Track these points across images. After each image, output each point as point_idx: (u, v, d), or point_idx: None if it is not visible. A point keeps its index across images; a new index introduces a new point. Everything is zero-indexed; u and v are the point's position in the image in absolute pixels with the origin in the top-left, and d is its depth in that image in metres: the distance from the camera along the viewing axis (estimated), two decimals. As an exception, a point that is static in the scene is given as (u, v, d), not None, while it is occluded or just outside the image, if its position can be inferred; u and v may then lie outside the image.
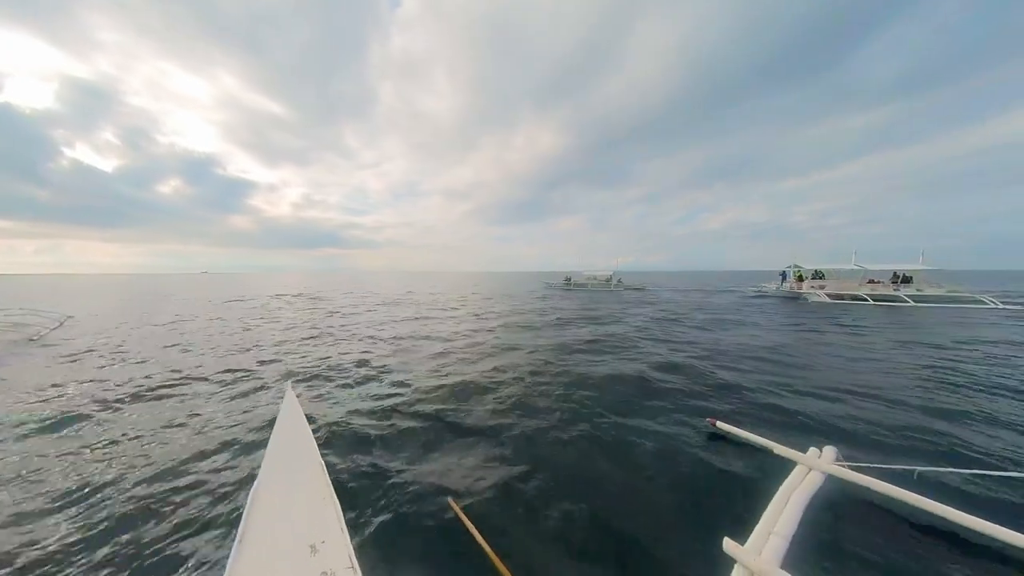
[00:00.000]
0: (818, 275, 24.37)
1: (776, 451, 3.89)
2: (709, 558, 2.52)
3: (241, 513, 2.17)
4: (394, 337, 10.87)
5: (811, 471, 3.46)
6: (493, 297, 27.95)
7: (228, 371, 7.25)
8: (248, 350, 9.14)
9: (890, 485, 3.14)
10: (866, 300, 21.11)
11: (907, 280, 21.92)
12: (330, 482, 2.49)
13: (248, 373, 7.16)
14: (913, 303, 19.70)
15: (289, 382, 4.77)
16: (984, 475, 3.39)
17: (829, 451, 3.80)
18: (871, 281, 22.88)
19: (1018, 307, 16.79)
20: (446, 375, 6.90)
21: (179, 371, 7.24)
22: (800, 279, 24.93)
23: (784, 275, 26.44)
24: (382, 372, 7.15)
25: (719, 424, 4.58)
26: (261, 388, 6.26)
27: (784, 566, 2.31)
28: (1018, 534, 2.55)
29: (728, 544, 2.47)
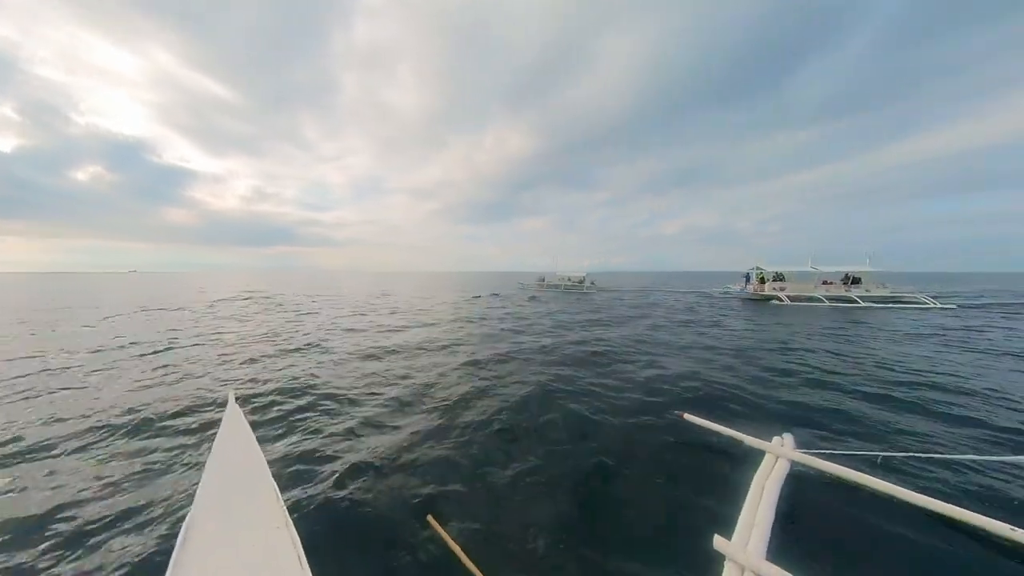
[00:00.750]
0: (779, 277, 26.12)
1: (747, 442, 4.09)
2: (699, 555, 2.60)
3: (171, 550, 1.77)
4: (393, 352, 9.34)
5: (779, 459, 3.68)
6: (480, 297, 27.17)
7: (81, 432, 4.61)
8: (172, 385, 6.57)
9: (851, 470, 3.44)
10: (822, 301, 22.89)
11: (856, 281, 24.11)
12: (285, 509, 2.13)
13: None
14: (863, 303, 21.64)
15: (231, 391, 4.16)
16: (939, 459, 3.79)
17: (788, 438, 4.07)
18: (825, 282, 24.92)
19: (952, 307, 18.98)
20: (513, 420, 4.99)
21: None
22: (762, 281, 26.58)
23: (748, 277, 28.14)
24: (394, 421, 5.04)
25: (687, 416, 4.71)
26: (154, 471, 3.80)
27: (769, 557, 2.41)
28: (968, 511, 2.88)
29: (718, 541, 2.52)
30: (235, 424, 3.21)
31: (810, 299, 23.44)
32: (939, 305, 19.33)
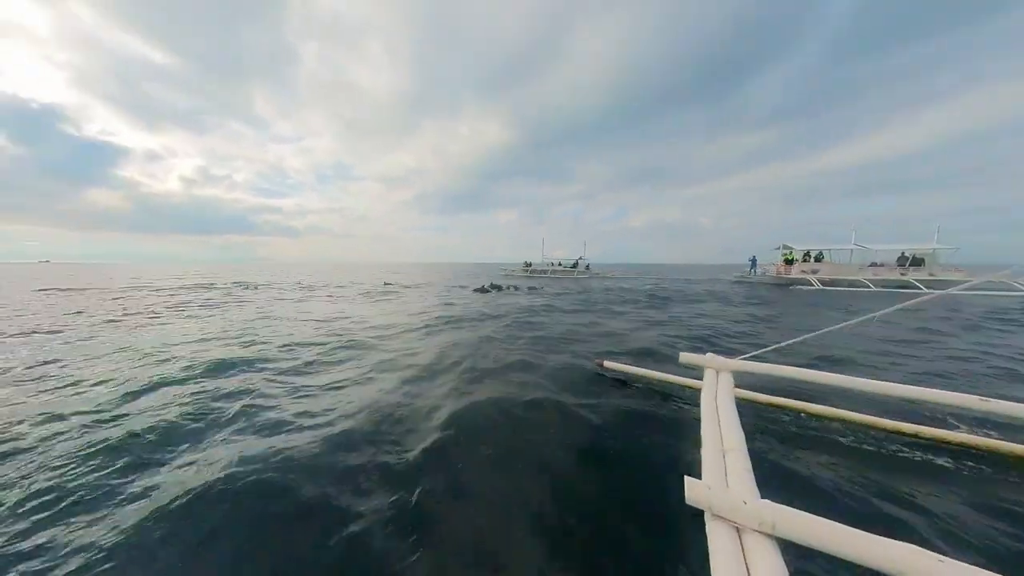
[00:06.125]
0: (813, 257, 20.58)
1: (672, 379, 3.68)
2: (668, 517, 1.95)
3: None
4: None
5: (720, 372, 3.04)
6: (514, 288, 17.84)
7: None
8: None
9: (792, 367, 3.06)
10: (867, 286, 17.32)
11: (917, 263, 18.22)
12: None
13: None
14: (925, 289, 15.90)
15: None
16: None
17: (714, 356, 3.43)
18: (873, 264, 19.18)
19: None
20: None
21: None
22: (788, 263, 21.08)
23: (753, 261, 24.82)
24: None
25: (607, 364, 4.21)
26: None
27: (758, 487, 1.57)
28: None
29: (692, 488, 1.49)
30: None
31: (851, 284, 17.90)
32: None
